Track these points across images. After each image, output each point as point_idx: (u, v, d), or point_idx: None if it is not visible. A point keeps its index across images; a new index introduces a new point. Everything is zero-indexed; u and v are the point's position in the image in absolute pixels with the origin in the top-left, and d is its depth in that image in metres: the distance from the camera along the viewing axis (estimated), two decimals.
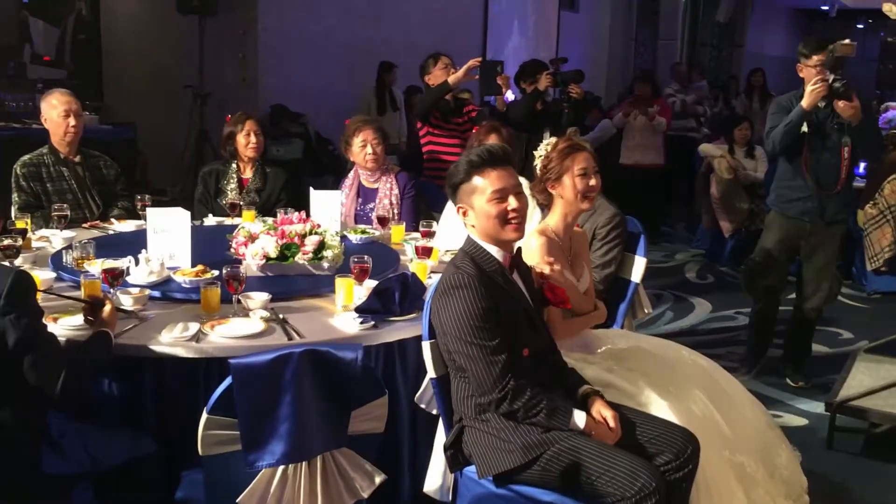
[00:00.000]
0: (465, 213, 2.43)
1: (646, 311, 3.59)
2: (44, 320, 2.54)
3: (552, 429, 2.30)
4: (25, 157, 4.09)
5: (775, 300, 4.53)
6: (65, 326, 2.55)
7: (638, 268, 3.46)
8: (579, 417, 2.32)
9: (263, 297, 2.77)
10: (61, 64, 8.39)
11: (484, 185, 2.40)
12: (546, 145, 3.00)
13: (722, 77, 15.18)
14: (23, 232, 3.35)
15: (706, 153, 7.15)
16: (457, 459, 2.46)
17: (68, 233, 3.65)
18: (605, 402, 2.43)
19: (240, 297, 2.75)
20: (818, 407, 4.09)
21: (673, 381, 2.75)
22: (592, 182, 2.97)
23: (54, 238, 3.57)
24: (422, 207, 4.47)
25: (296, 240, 3.12)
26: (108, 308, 2.50)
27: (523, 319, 2.44)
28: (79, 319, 2.59)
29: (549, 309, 2.71)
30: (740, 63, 15.75)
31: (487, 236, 2.43)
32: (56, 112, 4.07)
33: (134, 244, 3.15)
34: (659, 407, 2.59)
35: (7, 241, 3.07)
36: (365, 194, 4.33)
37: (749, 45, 16.05)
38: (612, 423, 2.35)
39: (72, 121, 4.08)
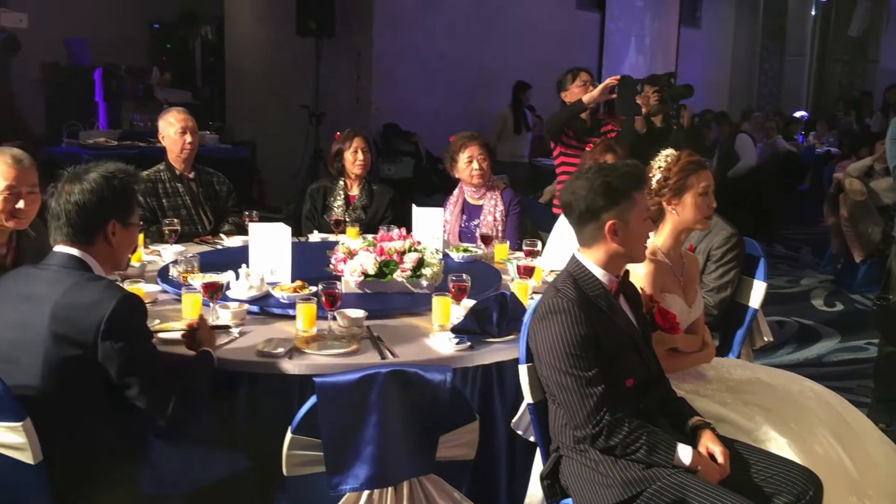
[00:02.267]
0: (614, 231, 2.26)
1: (765, 339, 3.35)
2: None
3: (654, 465, 2.14)
4: (143, 174, 4.20)
5: None
6: (165, 338, 2.57)
7: (757, 293, 3.24)
8: (684, 452, 2.15)
9: (359, 314, 2.72)
10: (192, 85, 8.75)
11: (642, 203, 2.31)
12: (666, 157, 2.83)
13: (854, 94, 14.43)
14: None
15: (856, 171, 6.60)
16: (554, 490, 2.33)
17: (178, 247, 3.73)
18: (715, 435, 2.25)
19: (335, 314, 2.71)
20: None
21: (794, 417, 2.53)
22: (713, 203, 2.81)
23: (165, 252, 3.64)
24: (528, 226, 4.36)
25: (394, 257, 3.07)
26: (203, 329, 2.48)
27: (629, 347, 2.29)
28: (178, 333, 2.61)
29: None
30: (874, 79, 14.90)
31: (618, 256, 2.29)
32: (173, 129, 4.19)
33: (239, 259, 3.17)
34: (778, 444, 2.39)
35: None
36: (469, 211, 4.26)
37: (883, 60, 15.17)
38: (720, 459, 2.16)
39: (188, 138, 4.18)
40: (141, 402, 2.12)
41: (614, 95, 4.39)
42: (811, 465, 2.28)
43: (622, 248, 2.27)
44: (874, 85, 14.41)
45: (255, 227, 3.21)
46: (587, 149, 3.75)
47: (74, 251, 2.20)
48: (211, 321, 2.72)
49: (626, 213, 2.26)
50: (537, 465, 2.49)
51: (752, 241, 3.35)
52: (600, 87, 4.40)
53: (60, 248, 2.22)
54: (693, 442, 2.23)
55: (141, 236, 3.72)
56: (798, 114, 12.77)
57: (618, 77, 4.47)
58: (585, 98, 4.41)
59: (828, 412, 2.63)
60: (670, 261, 2.79)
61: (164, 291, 3.10)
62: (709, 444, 2.21)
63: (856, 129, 10.84)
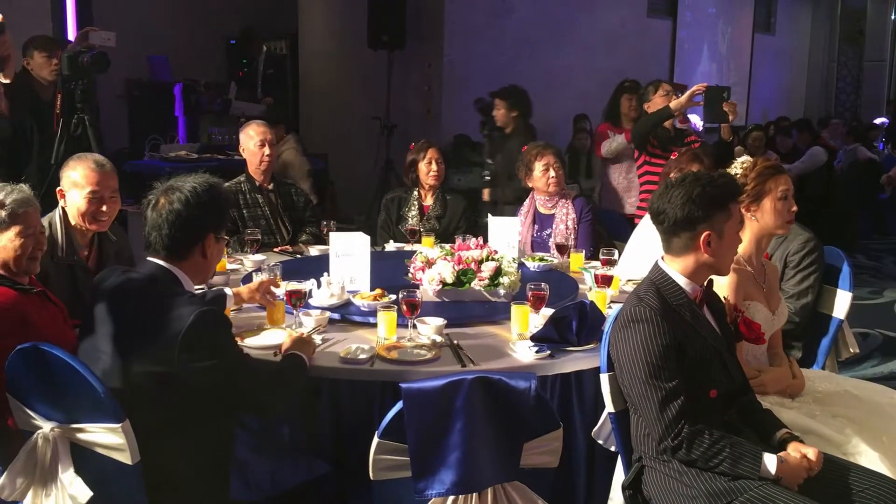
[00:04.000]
0: (708, 242, 2.23)
1: (851, 350, 3.26)
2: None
3: (740, 477, 2.10)
4: (224, 185, 4.32)
5: None
6: (250, 346, 2.64)
7: (841, 302, 3.16)
8: (770, 462, 2.11)
9: (438, 322, 2.75)
10: (256, 98, 8.96)
11: (737, 215, 2.29)
12: (742, 163, 2.81)
13: None
14: None
15: None
16: (636, 500, 2.32)
17: (259, 256, 3.82)
18: (803, 445, 2.21)
19: (415, 322, 2.74)
20: None
21: (885, 430, 2.46)
22: (794, 207, 2.77)
23: (246, 261, 3.74)
24: (603, 234, 4.34)
25: (472, 266, 3.09)
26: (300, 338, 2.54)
27: (713, 358, 2.27)
28: (264, 339, 2.68)
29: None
30: None
31: (705, 267, 2.27)
32: (252, 142, 4.31)
33: (318, 268, 3.24)
34: (869, 458, 2.33)
35: None
36: (541, 220, 4.27)
37: None
38: (812, 458, 2.12)
39: (266, 150, 4.29)
40: (243, 410, 2.16)
41: (701, 103, 4.39)
42: None
43: (713, 260, 2.25)
44: None
45: (335, 237, 3.28)
46: (672, 157, 3.72)
47: (165, 264, 2.22)
48: (294, 328, 2.78)
49: (722, 224, 2.23)
50: (618, 475, 2.48)
51: (835, 250, 3.27)
52: (687, 93, 4.43)
53: (153, 260, 2.23)
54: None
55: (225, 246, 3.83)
56: (878, 120, 12.38)
57: (705, 85, 4.48)
58: (673, 104, 4.46)
59: None
60: (752, 268, 2.75)
61: None
62: (799, 447, 2.18)
63: None
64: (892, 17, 14.42)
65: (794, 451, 2.17)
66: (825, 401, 2.61)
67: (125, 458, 2.03)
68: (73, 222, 2.99)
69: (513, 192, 5.05)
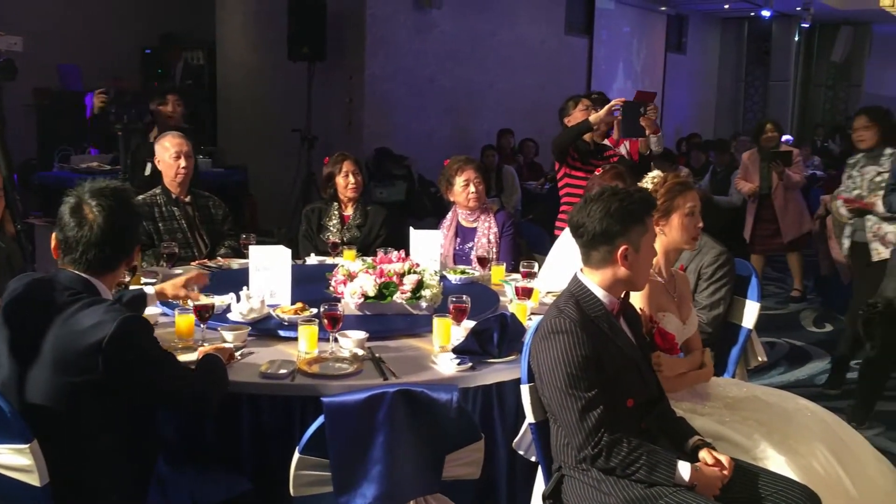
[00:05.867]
0: (625, 256, 2.27)
1: (759, 359, 3.39)
2: None
3: (655, 484, 2.16)
4: (139, 198, 4.22)
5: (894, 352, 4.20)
6: None
7: (750, 313, 3.29)
8: (683, 469, 2.17)
9: (360, 335, 2.74)
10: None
11: (652, 229, 2.35)
12: (652, 178, 2.89)
13: (839, 118, 14.68)
14: (132, 268, 3.44)
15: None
16: None
17: (176, 270, 3.74)
18: (715, 452, 2.28)
19: (336, 336, 2.73)
20: None
21: (791, 434, 2.56)
22: (700, 223, 2.86)
23: (162, 275, 3.64)
24: (523, 248, 4.40)
25: (394, 279, 3.10)
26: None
27: (630, 368, 2.32)
28: (187, 357, 2.62)
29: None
30: (857, 104, 15.11)
31: (622, 282, 2.31)
32: (168, 154, 4.22)
33: (239, 282, 3.18)
34: (776, 462, 2.42)
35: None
36: (464, 234, 4.30)
37: (867, 85, 15.41)
38: (725, 465, 2.19)
39: (182, 162, 4.21)
40: (182, 407, 2.22)
41: (619, 117, 4.50)
42: (810, 483, 2.30)
43: (629, 273, 2.30)
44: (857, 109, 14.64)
45: (255, 250, 3.23)
46: (597, 172, 3.79)
47: (85, 275, 2.14)
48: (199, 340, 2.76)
49: (638, 237, 2.29)
50: (539, 485, 2.51)
51: (744, 262, 3.40)
52: (606, 107, 4.54)
53: (70, 270, 2.15)
54: (693, 462, 2.26)
55: (139, 259, 3.73)
56: (783, 138, 12.90)
57: (623, 99, 4.59)
58: (592, 118, 4.55)
59: (824, 430, 2.66)
60: (662, 279, 2.83)
61: (165, 314, 3.11)
62: (713, 454, 2.25)
63: (836, 153, 10.99)
64: (796, 38, 15.09)
65: (706, 457, 2.24)
66: (735, 406, 2.70)
67: (33, 479, 1.96)
68: None
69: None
